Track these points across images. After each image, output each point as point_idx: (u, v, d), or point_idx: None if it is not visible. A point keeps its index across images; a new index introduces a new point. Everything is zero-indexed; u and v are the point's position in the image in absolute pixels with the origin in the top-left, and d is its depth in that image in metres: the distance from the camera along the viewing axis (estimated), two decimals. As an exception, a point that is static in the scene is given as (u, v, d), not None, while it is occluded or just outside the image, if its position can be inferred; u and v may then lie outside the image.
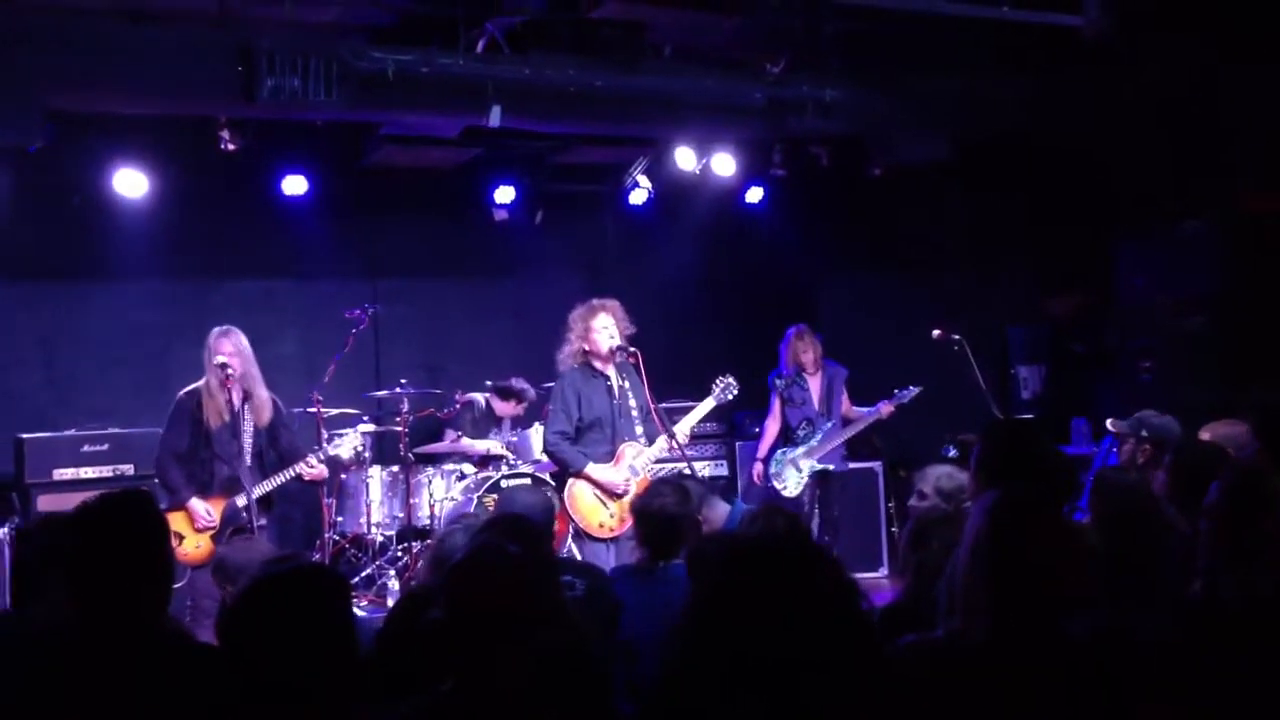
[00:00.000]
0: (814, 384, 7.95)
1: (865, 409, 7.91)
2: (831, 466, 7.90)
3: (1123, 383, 7.42)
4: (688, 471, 6.27)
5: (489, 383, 8.60)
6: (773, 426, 8.00)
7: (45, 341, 8.57)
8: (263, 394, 6.27)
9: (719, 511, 4.82)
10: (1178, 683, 1.89)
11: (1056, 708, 2.28)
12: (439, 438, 8.61)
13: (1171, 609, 2.89)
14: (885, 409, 7.77)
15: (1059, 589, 2.38)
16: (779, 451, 7.90)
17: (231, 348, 6.15)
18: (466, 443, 8.26)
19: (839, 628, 1.99)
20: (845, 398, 7.99)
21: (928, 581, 3.28)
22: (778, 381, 7.96)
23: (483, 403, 8.59)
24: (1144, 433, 4.98)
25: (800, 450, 7.83)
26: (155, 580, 2.77)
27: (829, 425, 7.83)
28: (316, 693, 2.21)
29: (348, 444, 6.89)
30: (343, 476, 8.01)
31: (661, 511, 4.36)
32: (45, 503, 7.32)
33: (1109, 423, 5.78)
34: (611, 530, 6.19)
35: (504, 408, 8.56)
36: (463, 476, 8.06)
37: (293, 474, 6.26)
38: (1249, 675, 2.05)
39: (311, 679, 2.19)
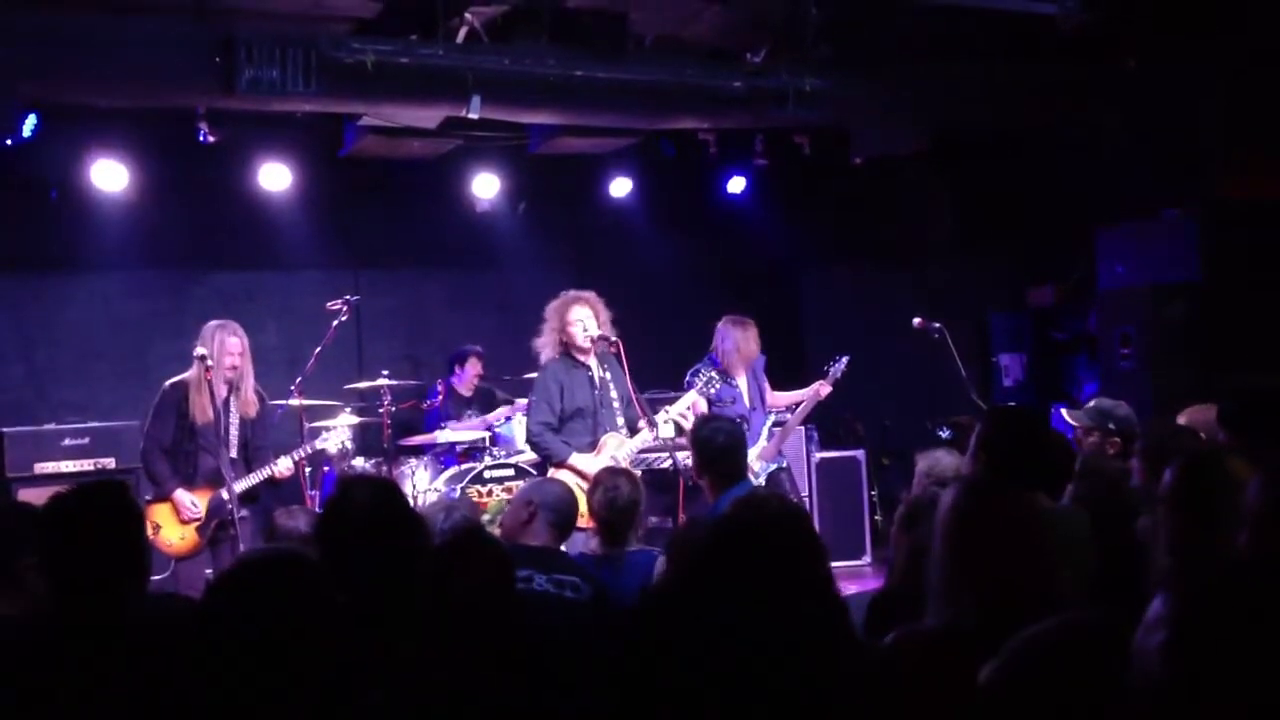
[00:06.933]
0: (741, 380, 7.12)
1: (795, 392, 7.32)
2: (786, 464, 7.33)
3: (1103, 369, 7.47)
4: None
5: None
6: None
7: (25, 335, 8.54)
8: (250, 388, 6.27)
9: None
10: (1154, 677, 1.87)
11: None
12: (425, 429, 8.58)
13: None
14: (823, 389, 7.20)
15: (1023, 576, 2.36)
16: None
17: (241, 347, 6.16)
18: (445, 434, 8.22)
19: (814, 617, 1.97)
20: (766, 384, 7.34)
21: (918, 565, 3.27)
22: (699, 380, 6.75)
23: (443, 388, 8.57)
24: (1111, 425, 4.80)
25: (752, 452, 6.93)
26: (130, 569, 2.77)
27: (769, 422, 7.23)
28: (292, 678, 2.18)
29: (335, 438, 6.87)
30: (325, 469, 7.98)
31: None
32: (26, 496, 7.29)
33: (1065, 414, 5.61)
34: (593, 520, 6.17)
35: (470, 373, 8.59)
36: (446, 467, 8.04)
37: (266, 475, 6.26)
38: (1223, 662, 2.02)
39: (289, 664, 2.17)
